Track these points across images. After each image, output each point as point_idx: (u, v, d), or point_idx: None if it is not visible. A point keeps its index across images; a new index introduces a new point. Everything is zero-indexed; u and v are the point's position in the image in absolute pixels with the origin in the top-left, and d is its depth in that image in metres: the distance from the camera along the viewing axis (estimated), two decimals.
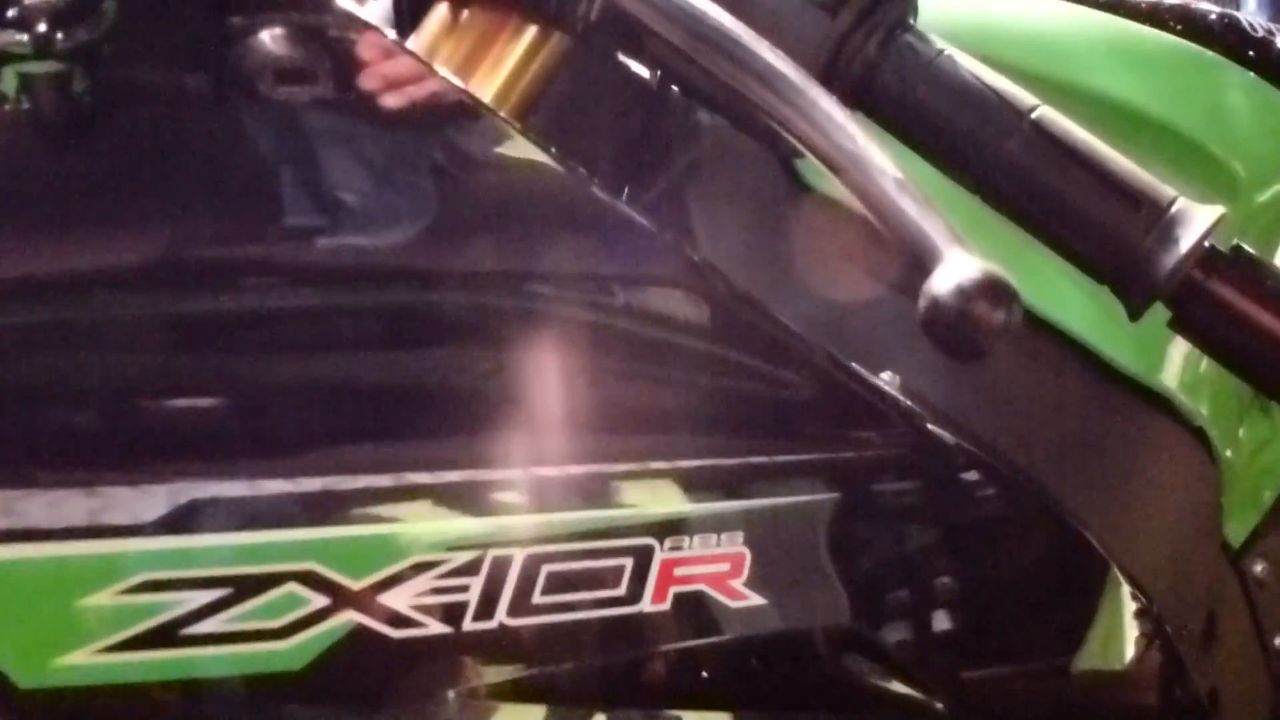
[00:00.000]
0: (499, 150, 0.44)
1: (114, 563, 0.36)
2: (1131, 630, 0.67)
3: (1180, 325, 0.41)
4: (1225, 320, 0.40)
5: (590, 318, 0.43)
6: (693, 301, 0.44)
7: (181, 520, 0.36)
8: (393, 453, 0.39)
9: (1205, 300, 0.39)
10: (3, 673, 0.35)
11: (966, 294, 0.34)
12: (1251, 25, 0.73)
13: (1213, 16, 0.73)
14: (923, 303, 0.35)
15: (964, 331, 0.35)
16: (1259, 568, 0.89)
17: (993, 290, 0.35)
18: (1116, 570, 0.63)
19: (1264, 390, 0.45)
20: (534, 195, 0.44)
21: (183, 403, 0.38)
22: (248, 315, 0.39)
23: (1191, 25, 0.70)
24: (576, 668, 0.42)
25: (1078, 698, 0.64)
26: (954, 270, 0.35)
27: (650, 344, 0.44)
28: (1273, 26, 0.77)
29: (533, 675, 0.41)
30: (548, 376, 0.41)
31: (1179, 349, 0.68)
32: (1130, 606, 0.66)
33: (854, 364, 0.48)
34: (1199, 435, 0.69)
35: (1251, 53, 0.76)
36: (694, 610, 0.43)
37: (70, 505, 0.35)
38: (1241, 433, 0.81)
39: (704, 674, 0.44)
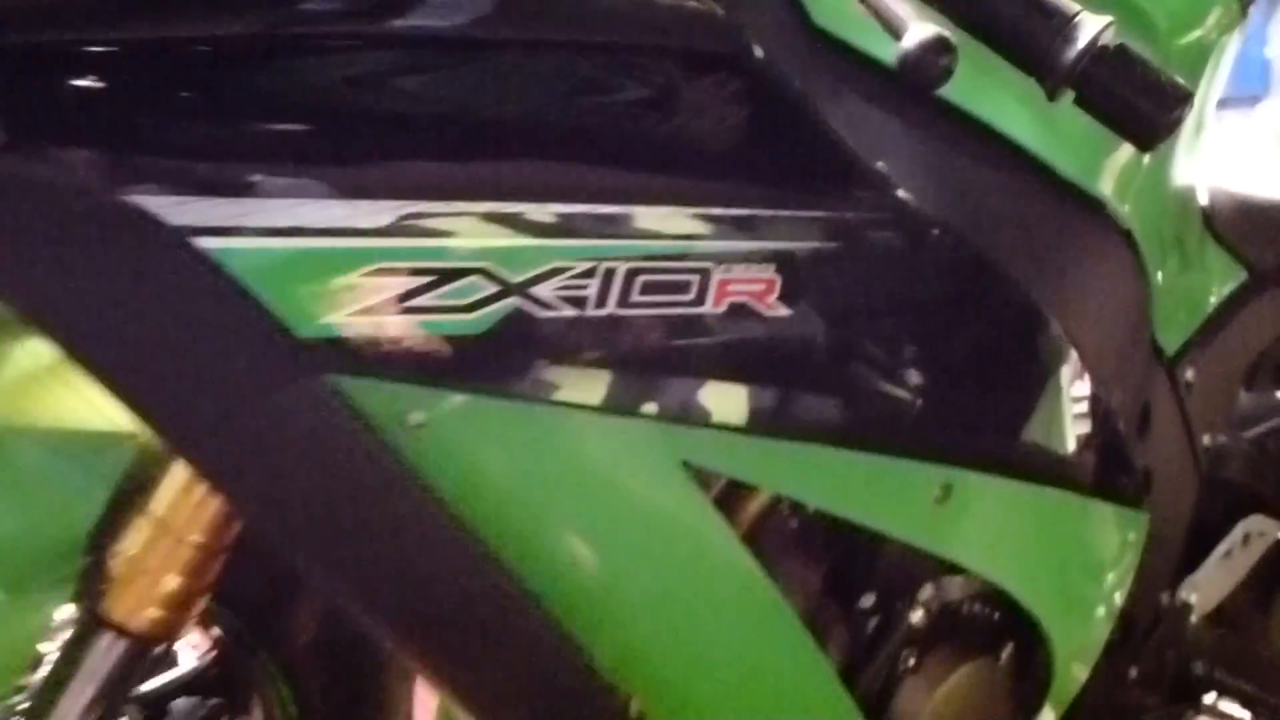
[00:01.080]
0: None
1: (359, 254, 0.53)
2: (1074, 410, 0.85)
3: (1081, 102, 0.58)
4: (1112, 100, 0.56)
5: (658, 88, 0.60)
6: (740, 82, 0.61)
7: (404, 227, 0.53)
8: (544, 186, 0.56)
9: (1097, 84, 0.56)
10: (288, 324, 0.52)
11: (924, 45, 0.51)
12: None
13: None
14: (897, 57, 0.52)
15: (924, 70, 0.52)
16: (1189, 373, 1.07)
17: (940, 43, 0.51)
18: (1066, 347, 0.80)
19: (1140, 148, 0.62)
20: None
21: (407, 143, 0.55)
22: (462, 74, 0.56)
23: None
24: (666, 347, 0.60)
25: (1025, 463, 0.82)
26: (916, 32, 0.51)
27: (708, 115, 0.61)
28: None
29: (635, 352, 0.59)
30: (641, 135, 0.59)
31: (1111, 174, 0.85)
32: (1072, 389, 0.83)
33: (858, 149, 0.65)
34: (1128, 238, 0.86)
35: None
36: (742, 314, 0.61)
37: (331, 212, 0.52)
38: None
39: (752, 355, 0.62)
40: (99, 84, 0.50)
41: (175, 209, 0.49)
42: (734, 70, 0.61)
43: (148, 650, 0.64)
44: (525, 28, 0.57)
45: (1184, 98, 0.56)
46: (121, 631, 0.62)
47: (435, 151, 0.56)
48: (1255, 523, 1.29)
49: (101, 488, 0.63)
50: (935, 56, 0.51)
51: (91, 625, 0.62)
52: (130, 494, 0.62)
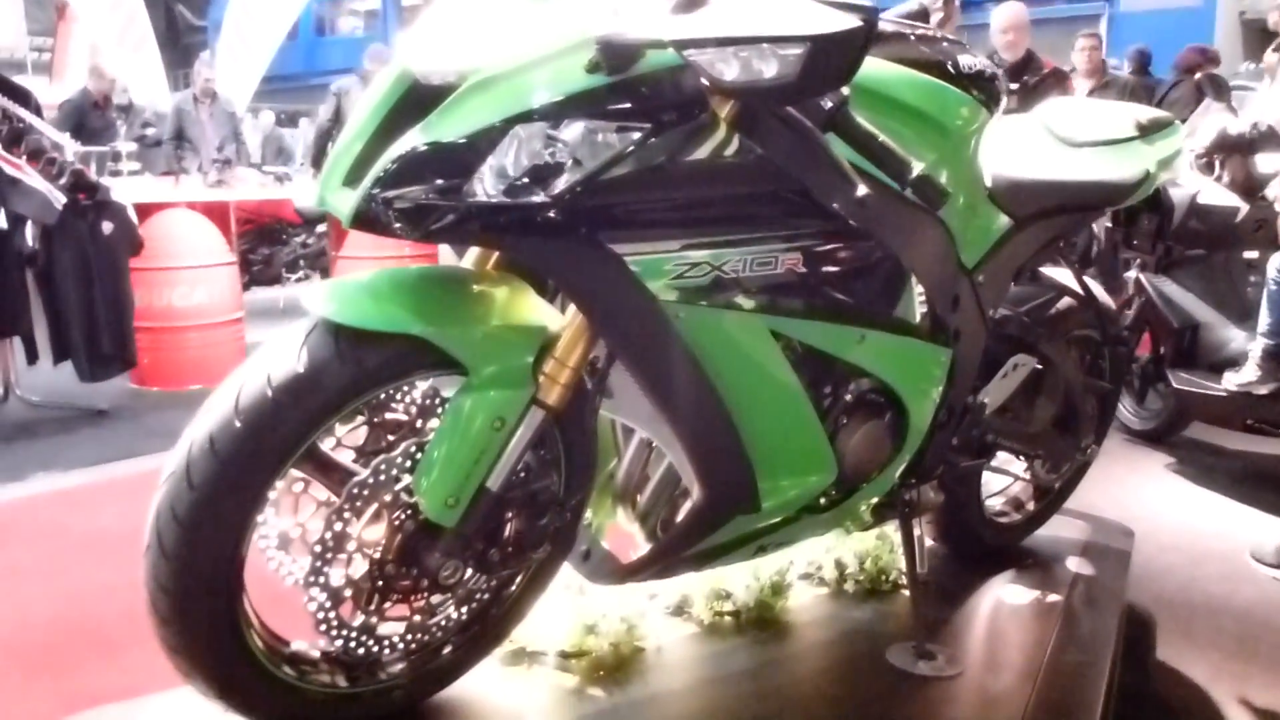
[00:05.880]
0: None
1: (668, 259, 1.48)
2: (918, 301, 1.85)
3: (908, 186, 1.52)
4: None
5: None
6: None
7: (684, 246, 1.49)
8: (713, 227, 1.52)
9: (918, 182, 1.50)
10: (652, 289, 1.47)
11: (920, 177, 1.46)
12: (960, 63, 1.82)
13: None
14: (911, 180, 1.46)
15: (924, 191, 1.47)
16: (980, 277, 2.03)
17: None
18: (910, 275, 1.79)
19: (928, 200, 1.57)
20: None
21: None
22: None
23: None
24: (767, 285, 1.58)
25: (896, 326, 1.82)
26: (916, 166, 1.45)
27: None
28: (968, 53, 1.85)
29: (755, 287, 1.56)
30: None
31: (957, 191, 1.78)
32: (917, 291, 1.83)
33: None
34: (942, 223, 1.83)
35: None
36: (789, 273, 1.60)
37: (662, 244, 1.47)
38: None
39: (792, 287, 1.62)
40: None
41: (619, 247, 1.44)
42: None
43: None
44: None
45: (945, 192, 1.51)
46: (544, 407, 1.54)
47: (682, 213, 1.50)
48: (1020, 358, 2.30)
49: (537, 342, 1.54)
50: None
51: (528, 406, 1.54)
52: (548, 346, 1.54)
